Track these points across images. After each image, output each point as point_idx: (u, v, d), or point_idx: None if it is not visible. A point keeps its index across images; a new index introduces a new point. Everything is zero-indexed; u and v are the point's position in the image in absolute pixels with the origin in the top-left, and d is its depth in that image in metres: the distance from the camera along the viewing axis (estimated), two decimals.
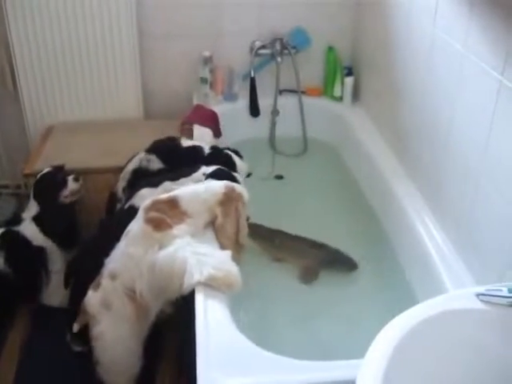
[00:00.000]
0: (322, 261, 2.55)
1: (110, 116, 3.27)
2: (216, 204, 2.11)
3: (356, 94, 3.35)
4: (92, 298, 2.06)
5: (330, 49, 3.35)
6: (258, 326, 2.20)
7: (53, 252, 2.64)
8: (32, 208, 2.64)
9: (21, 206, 3.16)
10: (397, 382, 1.10)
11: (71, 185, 2.68)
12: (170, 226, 2.03)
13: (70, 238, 2.71)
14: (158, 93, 3.33)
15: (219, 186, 2.16)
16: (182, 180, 2.35)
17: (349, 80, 3.29)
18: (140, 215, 2.08)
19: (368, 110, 3.21)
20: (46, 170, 2.68)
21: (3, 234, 2.58)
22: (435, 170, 2.27)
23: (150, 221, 2.04)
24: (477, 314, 1.24)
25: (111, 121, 3.25)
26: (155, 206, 2.07)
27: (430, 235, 2.23)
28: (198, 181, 2.32)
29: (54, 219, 2.64)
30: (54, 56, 3.09)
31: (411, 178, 2.55)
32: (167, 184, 2.34)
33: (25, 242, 2.57)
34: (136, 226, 2.08)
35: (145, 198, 2.23)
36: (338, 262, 2.54)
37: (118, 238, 2.11)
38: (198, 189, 2.16)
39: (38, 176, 2.67)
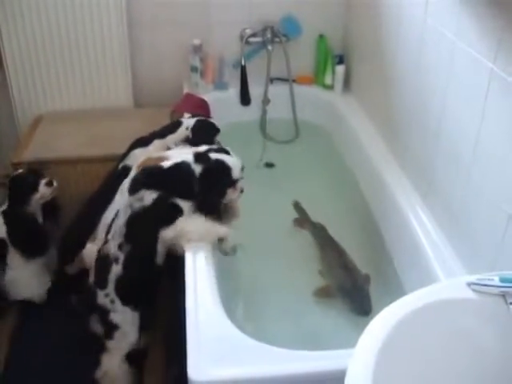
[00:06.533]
0: (339, 286, 2.31)
1: (100, 105, 3.24)
2: None
3: (347, 83, 3.33)
4: (89, 249, 2.25)
5: (321, 37, 3.33)
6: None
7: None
8: (5, 202, 2.61)
9: None
10: (387, 371, 1.10)
11: (43, 189, 2.54)
12: None
13: (33, 247, 2.60)
14: (147, 81, 3.31)
15: None
16: (170, 137, 2.55)
17: (340, 68, 3.28)
18: (133, 172, 2.22)
19: (359, 98, 3.20)
20: (18, 172, 2.59)
21: None
22: (426, 157, 2.26)
23: None
24: (468, 304, 1.24)
25: (101, 110, 3.23)
26: (146, 162, 2.21)
27: (420, 223, 2.23)
28: (184, 135, 2.54)
29: (16, 227, 2.57)
30: (42, 45, 3.05)
31: (402, 165, 2.54)
32: (156, 142, 2.53)
33: None
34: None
35: (137, 157, 2.41)
36: (353, 300, 2.24)
37: (112, 197, 2.31)
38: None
39: (12, 175, 2.59)
